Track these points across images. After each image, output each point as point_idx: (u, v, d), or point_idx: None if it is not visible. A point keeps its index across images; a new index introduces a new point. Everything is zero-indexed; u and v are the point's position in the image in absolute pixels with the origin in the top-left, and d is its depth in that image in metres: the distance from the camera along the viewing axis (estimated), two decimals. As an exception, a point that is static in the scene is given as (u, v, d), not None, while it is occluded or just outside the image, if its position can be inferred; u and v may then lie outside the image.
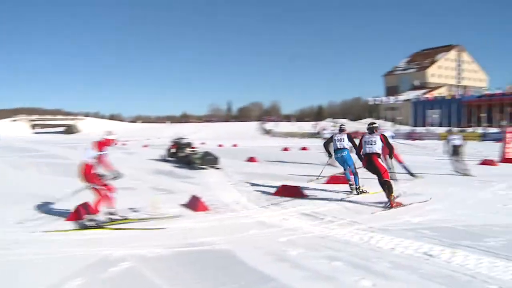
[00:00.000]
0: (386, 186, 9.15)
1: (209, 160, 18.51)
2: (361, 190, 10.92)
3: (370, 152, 9.49)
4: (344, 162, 11.32)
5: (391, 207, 8.95)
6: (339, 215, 8.37)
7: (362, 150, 9.70)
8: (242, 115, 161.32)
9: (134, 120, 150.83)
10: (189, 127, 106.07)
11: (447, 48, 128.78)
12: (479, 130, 62.43)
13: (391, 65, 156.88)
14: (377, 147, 9.51)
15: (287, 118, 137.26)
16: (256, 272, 5.36)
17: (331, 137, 11.84)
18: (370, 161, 9.46)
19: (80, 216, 7.90)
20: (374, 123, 10.00)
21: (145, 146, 42.34)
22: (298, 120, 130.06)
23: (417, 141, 44.60)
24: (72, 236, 7.14)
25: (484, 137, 51.27)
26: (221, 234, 7.13)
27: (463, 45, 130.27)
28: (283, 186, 11.27)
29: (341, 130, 11.79)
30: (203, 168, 18.05)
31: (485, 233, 6.88)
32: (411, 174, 13.67)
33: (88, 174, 7.73)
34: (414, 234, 6.88)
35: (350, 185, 11.14)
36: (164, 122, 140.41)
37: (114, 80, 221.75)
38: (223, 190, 12.13)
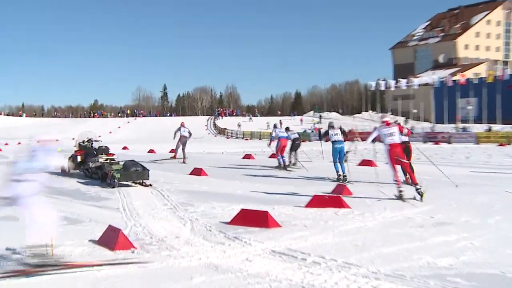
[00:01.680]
0: (412, 167, 15.76)
1: (134, 173, 18.39)
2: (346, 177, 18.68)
3: (401, 141, 15.37)
4: (340, 152, 18.92)
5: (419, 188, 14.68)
6: (327, 254, 8.41)
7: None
8: (184, 107, 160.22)
9: (14, 113, 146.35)
10: (104, 124, 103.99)
11: (489, 5, 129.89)
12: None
13: (402, 33, 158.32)
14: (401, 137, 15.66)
15: (250, 112, 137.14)
16: None
17: (327, 131, 19.88)
18: (403, 148, 15.64)
19: None
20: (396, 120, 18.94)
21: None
22: (266, 114, 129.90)
23: (443, 145, 45.22)
24: None
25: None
26: (152, 284, 7.08)
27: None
28: (244, 211, 11.31)
29: (332, 127, 19.85)
30: (125, 185, 17.92)
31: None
32: (285, 167, 24.29)
33: (402, 152, 14.78)
34: (440, 283, 6.92)
35: (338, 176, 18.95)
36: (68, 116, 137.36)
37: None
38: (155, 217, 12.05)
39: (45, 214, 7.87)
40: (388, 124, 14.72)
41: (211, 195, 15.48)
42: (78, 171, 22.17)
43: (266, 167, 25.36)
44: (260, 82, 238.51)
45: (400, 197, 13.92)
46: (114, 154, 22.01)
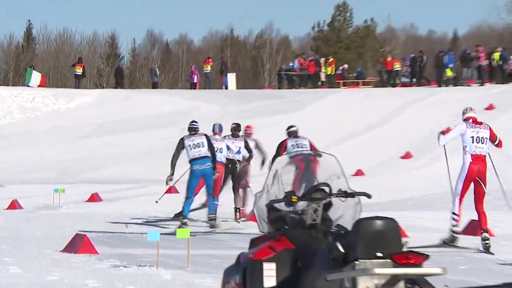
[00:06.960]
0: None
1: None
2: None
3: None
4: (205, 177, 11.99)
5: None
6: None
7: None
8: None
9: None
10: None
11: None
12: None
13: None
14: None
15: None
16: None
17: (181, 140, 12.11)
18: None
19: None
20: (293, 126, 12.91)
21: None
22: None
23: None
24: None
25: None
26: None
27: None
28: None
29: (194, 130, 12.26)
30: None
31: None
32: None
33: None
34: None
35: (211, 219, 11.88)
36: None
37: None
38: None
39: None
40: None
41: None
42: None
43: None
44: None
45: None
46: (425, 259, 2.73)
